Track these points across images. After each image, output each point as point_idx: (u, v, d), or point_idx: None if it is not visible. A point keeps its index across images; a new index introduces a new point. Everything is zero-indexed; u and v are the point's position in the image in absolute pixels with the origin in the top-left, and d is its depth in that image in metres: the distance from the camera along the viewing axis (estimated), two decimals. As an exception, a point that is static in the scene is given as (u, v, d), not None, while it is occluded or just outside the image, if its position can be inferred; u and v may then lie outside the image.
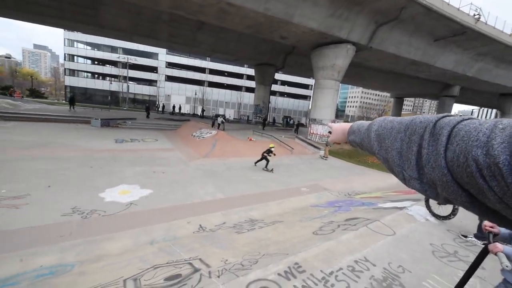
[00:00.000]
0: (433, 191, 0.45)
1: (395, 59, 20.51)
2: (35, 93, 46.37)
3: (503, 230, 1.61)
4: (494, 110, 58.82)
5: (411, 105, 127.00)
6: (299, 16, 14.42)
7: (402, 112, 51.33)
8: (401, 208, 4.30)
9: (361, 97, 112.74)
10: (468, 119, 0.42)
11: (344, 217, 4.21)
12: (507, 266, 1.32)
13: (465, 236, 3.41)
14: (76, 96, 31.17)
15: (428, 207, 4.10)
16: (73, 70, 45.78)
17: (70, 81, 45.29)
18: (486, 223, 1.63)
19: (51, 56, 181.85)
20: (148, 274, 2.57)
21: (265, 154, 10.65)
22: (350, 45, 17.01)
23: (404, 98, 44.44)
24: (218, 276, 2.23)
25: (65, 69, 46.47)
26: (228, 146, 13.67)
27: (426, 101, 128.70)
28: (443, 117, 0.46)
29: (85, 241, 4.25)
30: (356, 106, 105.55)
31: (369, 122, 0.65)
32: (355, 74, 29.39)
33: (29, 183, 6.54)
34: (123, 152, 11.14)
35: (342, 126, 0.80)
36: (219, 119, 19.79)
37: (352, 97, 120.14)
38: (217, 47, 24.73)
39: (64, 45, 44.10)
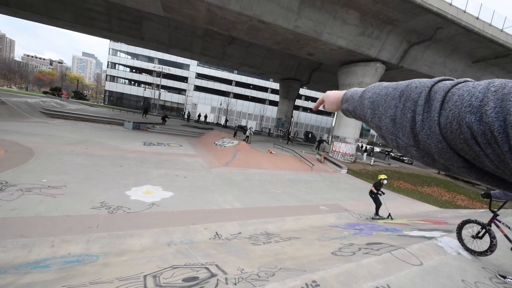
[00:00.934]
0: (430, 158, 0.44)
1: (428, 80, 19.62)
2: (78, 95, 51.33)
3: None
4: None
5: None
6: (328, 34, 14.59)
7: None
8: (429, 238, 3.99)
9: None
10: (464, 81, 0.40)
11: (366, 241, 4.01)
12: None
13: (504, 277, 3.05)
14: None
15: (460, 239, 3.74)
16: (114, 77, 50.21)
17: (110, 86, 49.62)
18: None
19: (95, 63, 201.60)
20: (167, 273, 2.66)
21: (376, 191, 7.29)
22: (379, 63, 16.70)
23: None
24: (235, 284, 2.24)
25: (107, 75, 51.13)
26: (248, 157, 13.82)
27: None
28: (439, 81, 0.44)
29: (110, 235, 4.51)
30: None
31: (363, 89, 0.63)
32: (383, 93, 28.48)
33: (66, 175, 7.16)
34: (149, 155, 11.78)
35: (335, 94, 0.76)
36: (248, 131, 19.50)
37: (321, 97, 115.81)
38: (245, 61, 25.70)
39: (109, 54, 48.81)
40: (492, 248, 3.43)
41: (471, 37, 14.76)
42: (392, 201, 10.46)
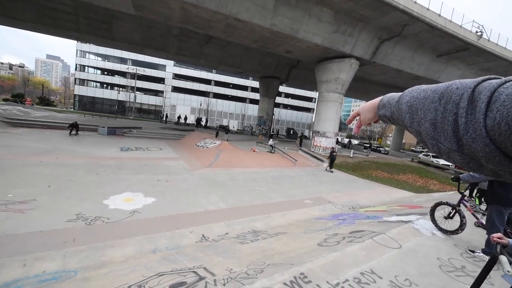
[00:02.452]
0: (476, 163, 0.41)
1: (398, 74, 20.80)
2: (44, 101, 47.65)
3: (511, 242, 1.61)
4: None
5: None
6: (304, 31, 14.87)
7: (406, 126, 51.11)
8: (406, 222, 4.25)
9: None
10: (510, 81, 0.37)
11: (349, 230, 4.17)
12: (508, 272, 1.31)
13: (473, 252, 3.33)
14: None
15: (433, 221, 4.04)
16: (83, 80, 47.22)
17: (79, 90, 46.62)
18: (494, 234, 1.63)
19: (62, 66, 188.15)
20: (153, 281, 2.57)
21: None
22: (353, 59, 17.36)
23: (408, 113, 44.53)
24: (224, 284, 2.22)
25: (75, 78, 47.96)
26: (231, 156, 13.74)
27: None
28: (483, 80, 0.41)
29: (88, 248, 4.26)
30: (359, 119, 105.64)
31: (400, 93, 0.60)
32: (358, 88, 29.74)
33: (35, 188, 6.63)
34: (128, 160, 11.27)
35: (371, 102, 0.72)
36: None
37: (355, 110, 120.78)
38: (223, 60, 25.43)
39: (76, 56, 45.78)
40: (462, 226, 3.73)
41: (435, 33, 15.84)
42: (371, 190, 10.98)
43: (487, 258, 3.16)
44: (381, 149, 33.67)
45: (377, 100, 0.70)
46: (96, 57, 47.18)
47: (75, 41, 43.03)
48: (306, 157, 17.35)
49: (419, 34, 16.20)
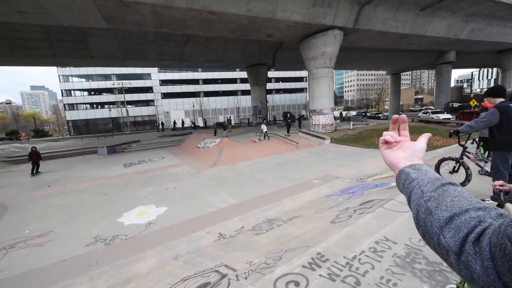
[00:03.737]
0: (468, 274, 0.41)
1: (383, 36, 20.32)
2: (39, 133, 47.56)
3: None
4: (495, 69, 57.51)
5: (409, 79, 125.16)
6: (281, 11, 14.46)
7: (401, 88, 50.55)
8: (414, 183, 4.29)
9: (357, 79, 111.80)
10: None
11: (359, 202, 4.23)
12: None
13: (483, 200, 3.38)
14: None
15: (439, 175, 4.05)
16: (72, 104, 46.84)
17: (71, 115, 46.34)
18: (496, 182, 1.65)
19: (49, 95, 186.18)
20: (179, 287, 2.65)
21: None
22: (337, 30, 16.95)
23: (401, 73, 43.86)
24: (246, 278, 2.29)
25: (64, 104, 47.56)
26: (234, 151, 13.77)
27: (423, 72, 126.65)
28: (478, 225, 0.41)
29: (112, 267, 4.38)
30: (354, 90, 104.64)
31: (412, 183, 0.55)
32: (347, 58, 29.21)
33: (49, 220, 6.75)
34: (133, 175, 11.35)
35: (397, 161, 0.65)
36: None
37: (348, 81, 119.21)
38: (206, 57, 24.97)
39: (60, 81, 45.16)
40: (468, 178, 3.76)
41: (414, -14, 15.31)
42: (375, 158, 11.02)
43: (496, 204, 3.20)
44: (380, 115, 33.51)
45: (397, 166, 0.63)
46: (79, 78, 46.54)
47: (56, 67, 42.37)
48: (307, 138, 17.34)
49: (399, -9, 15.69)
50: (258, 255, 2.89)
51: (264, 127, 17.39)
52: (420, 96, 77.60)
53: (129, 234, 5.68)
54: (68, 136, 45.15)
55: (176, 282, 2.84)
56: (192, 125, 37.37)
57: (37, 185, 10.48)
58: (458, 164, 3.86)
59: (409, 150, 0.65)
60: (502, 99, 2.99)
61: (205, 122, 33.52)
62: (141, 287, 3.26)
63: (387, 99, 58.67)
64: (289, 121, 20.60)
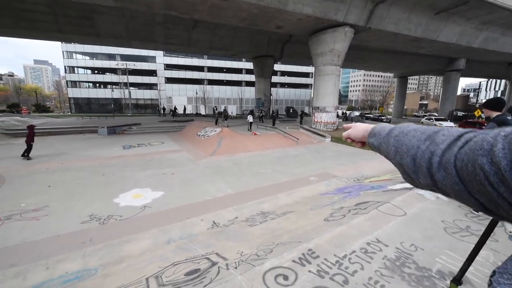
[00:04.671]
0: (449, 196, 0.47)
1: (395, 38, 19.95)
2: (41, 108, 47.39)
3: None
4: (503, 81, 56.78)
5: (416, 83, 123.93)
6: (293, 3, 14.12)
7: (407, 92, 49.94)
8: (410, 189, 4.30)
9: (364, 80, 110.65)
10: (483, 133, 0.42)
11: (354, 202, 4.24)
12: (510, 232, 1.33)
13: (477, 211, 3.39)
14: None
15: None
16: (75, 82, 46.45)
17: (73, 92, 46.04)
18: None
19: (52, 70, 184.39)
20: (169, 271, 2.69)
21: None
22: (348, 27, 16.62)
23: (408, 77, 43.29)
24: (235, 267, 2.32)
25: (67, 81, 47.17)
26: (234, 142, 13.76)
27: (431, 78, 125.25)
28: (468, 132, 0.45)
29: (105, 246, 4.44)
30: (359, 90, 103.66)
31: (392, 126, 0.64)
32: (355, 57, 28.78)
33: (46, 195, 6.80)
34: (132, 158, 11.38)
35: (364, 126, 0.77)
36: (249, 117, 18.08)
37: (354, 81, 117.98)
38: (213, 44, 24.56)
39: (63, 57, 44.63)
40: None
41: (431, -12, 14.91)
42: (374, 160, 11.03)
43: (491, 215, 3.21)
44: (383, 118, 33.33)
45: (369, 127, 0.74)
46: (83, 56, 45.96)
47: (60, 43, 41.75)
48: (308, 134, 17.30)
49: (415, -9, 15.28)
50: (250, 246, 2.92)
51: (250, 118, 18.12)
52: (425, 102, 77.01)
53: (124, 215, 5.73)
54: (69, 113, 45.03)
55: (166, 266, 2.88)
56: (195, 113, 37.21)
57: (36, 160, 10.51)
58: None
59: (362, 125, 0.79)
60: (499, 113, 3.00)
61: (210, 110, 33.30)
62: (133, 267, 3.31)
63: (391, 102, 58.20)
64: (274, 114, 21.28)
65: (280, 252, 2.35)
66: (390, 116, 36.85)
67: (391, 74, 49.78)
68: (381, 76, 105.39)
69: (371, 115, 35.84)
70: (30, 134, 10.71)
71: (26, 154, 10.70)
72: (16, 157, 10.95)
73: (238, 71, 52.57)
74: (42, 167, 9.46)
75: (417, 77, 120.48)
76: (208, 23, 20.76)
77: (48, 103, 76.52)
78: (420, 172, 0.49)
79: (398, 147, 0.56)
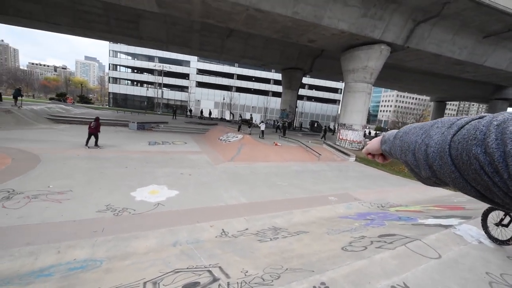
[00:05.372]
0: (447, 187, 0.48)
1: (436, 59, 18.76)
2: (83, 99, 51.96)
3: None
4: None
5: (455, 109, 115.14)
6: (328, 18, 13.99)
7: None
8: (446, 226, 3.75)
9: (396, 100, 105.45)
10: (478, 118, 0.42)
11: (378, 233, 3.80)
12: None
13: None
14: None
15: (485, 227, 3.44)
16: (116, 78, 50.43)
17: (113, 88, 49.95)
18: None
19: (98, 66, 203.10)
20: (168, 278, 2.55)
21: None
22: (384, 45, 16.00)
23: (447, 102, 40.27)
24: (237, 289, 2.10)
25: (109, 77, 51.40)
26: (253, 150, 13.65)
27: (473, 104, 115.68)
28: (460, 119, 0.45)
29: (115, 238, 4.46)
30: (390, 111, 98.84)
31: (398, 130, 0.66)
32: (389, 76, 27.61)
33: (72, 180, 7.18)
34: (154, 154, 11.76)
35: (377, 138, 0.80)
36: (262, 126, 18.37)
37: (385, 100, 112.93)
38: (245, 53, 25.20)
39: (109, 56, 48.88)
40: (516, 236, 3.17)
41: (481, 10, 13.86)
42: (402, 187, 10.16)
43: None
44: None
45: (381, 137, 0.77)
46: (126, 56, 49.94)
47: (108, 42, 45.91)
48: (330, 151, 16.64)
49: (462, 13, 14.31)
50: (256, 265, 2.69)
51: (262, 126, 18.42)
52: (464, 130, 70.65)
53: (137, 209, 5.80)
54: (107, 106, 48.74)
55: (167, 272, 2.75)
56: (220, 117, 38.10)
57: (70, 145, 11.30)
58: (506, 216, 3.28)
59: (377, 138, 0.79)
60: None
61: (232, 115, 33.97)
62: (135, 266, 3.23)
63: (426, 126, 54.44)
64: (285, 125, 21.22)
65: (288, 281, 2.09)
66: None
67: (428, 97, 46.81)
68: (416, 98, 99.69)
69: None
70: (98, 125, 11.51)
71: (95, 143, 11.57)
72: (53, 140, 11.90)
73: (266, 80, 53.24)
74: (74, 153, 10.12)
75: (456, 102, 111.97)
76: (242, 33, 21.41)
77: (90, 95, 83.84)
78: (420, 164, 0.51)
79: (402, 146, 0.58)
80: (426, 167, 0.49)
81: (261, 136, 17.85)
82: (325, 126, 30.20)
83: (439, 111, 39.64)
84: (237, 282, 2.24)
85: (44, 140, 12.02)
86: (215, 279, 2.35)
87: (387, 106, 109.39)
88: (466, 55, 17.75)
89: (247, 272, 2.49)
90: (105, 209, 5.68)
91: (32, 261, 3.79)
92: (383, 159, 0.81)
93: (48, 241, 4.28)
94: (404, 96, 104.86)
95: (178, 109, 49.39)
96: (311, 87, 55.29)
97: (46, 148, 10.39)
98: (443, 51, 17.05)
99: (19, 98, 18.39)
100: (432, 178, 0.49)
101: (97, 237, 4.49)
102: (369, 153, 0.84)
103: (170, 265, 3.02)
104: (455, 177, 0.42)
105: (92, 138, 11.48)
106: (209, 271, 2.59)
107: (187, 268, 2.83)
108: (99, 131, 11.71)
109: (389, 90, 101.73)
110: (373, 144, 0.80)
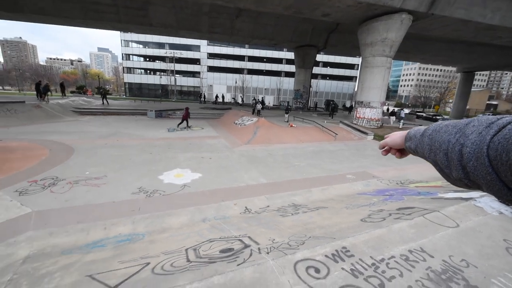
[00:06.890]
0: (479, 190, 0.47)
1: (464, 25, 17.15)
2: (101, 91, 53.78)
3: None
4: None
5: (484, 80, 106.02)
6: (344, -12, 13.12)
7: (473, 89, 42.86)
8: (466, 199, 3.80)
9: (418, 73, 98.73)
10: None
11: (396, 206, 3.95)
12: None
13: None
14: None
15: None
16: (130, 68, 51.36)
17: (128, 78, 51.10)
18: None
19: (111, 57, 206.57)
20: (205, 246, 2.92)
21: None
22: (405, 14, 14.85)
23: (475, 72, 37.13)
24: (267, 253, 2.39)
25: (123, 67, 52.42)
26: (269, 133, 13.80)
27: (505, 73, 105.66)
28: (500, 119, 0.44)
29: (151, 216, 4.98)
30: (411, 85, 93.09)
31: (426, 127, 0.65)
32: (411, 48, 25.80)
33: (105, 167, 7.83)
34: (175, 140, 12.30)
35: (400, 133, 0.78)
36: (258, 106, 19.70)
37: (407, 74, 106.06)
38: (255, 33, 24.49)
39: (121, 45, 49.47)
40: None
41: (521, -36, 12.28)
42: (421, 165, 9.95)
43: None
44: (438, 117, 29.61)
45: (405, 132, 0.75)
46: (137, 45, 50.29)
47: (119, 32, 46.26)
48: (348, 130, 16.39)
49: (498, -31, 12.78)
50: (281, 235, 2.98)
51: (258, 106, 19.75)
52: (494, 102, 65.59)
53: (167, 191, 6.31)
54: (124, 96, 50.28)
55: (203, 241, 3.12)
56: (233, 101, 38.18)
57: (97, 135, 12.11)
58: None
59: (399, 132, 0.79)
60: None
61: (242, 100, 33.96)
62: (174, 238, 3.67)
63: (450, 101, 51.07)
64: (289, 107, 20.97)
65: (312, 245, 2.34)
66: (447, 116, 32.45)
67: (454, 68, 43.38)
68: (440, 70, 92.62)
69: (424, 114, 32.04)
70: (187, 113, 15.88)
71: (187, 125, 15.95)
72: (81, 131, 12.76)
73: (278, 61, 51.75)
74: (102, 142, 10.87)
75: (486, 72, 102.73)
76: (251, 12, 20.68)
77: (107, 86, 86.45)
78: (452, 165, 0.49)
79: (432, 145, 0.56)
80: (459, 168, 0.47)
81: (254, 112, 19.51)
82: (332, 101, 29.14)
83: (467, 83, 36.79)
84: (267, 247, 2.54)
85: (73, 131, 12.93)
86: (246, 246, 2.66)
87: (409, 80, 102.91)
88: (499, 19, 16.05)
89: (274, 240, 2.78)
90: (138, 191, 6.23)
91: (84, 236, 4.38)
92: (401, 154, 0.78)
93: (94, 220, 4.87)
94: (427, 69, 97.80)
95: (191, 95, 50.06)
96: (326, 64, 53.07)
97: (76, 139, 11.22)
98: (473, 16, 15.53)
99: (48, 93, 19.64)
100: (464, 179, 0.47)
101: (135, 216, 5.03)
102: (384, 147, 0.81)
103: (204, 236, 3.40)
104: (491, 179, 0.40)
105: (184, 122, 15.76)
106: (240, 240, 2.91)
107: (220, 238, 3.19)
108: (190, 117, 16.21)
109: (410, 63, 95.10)
110: (394, 139, 0.77)
